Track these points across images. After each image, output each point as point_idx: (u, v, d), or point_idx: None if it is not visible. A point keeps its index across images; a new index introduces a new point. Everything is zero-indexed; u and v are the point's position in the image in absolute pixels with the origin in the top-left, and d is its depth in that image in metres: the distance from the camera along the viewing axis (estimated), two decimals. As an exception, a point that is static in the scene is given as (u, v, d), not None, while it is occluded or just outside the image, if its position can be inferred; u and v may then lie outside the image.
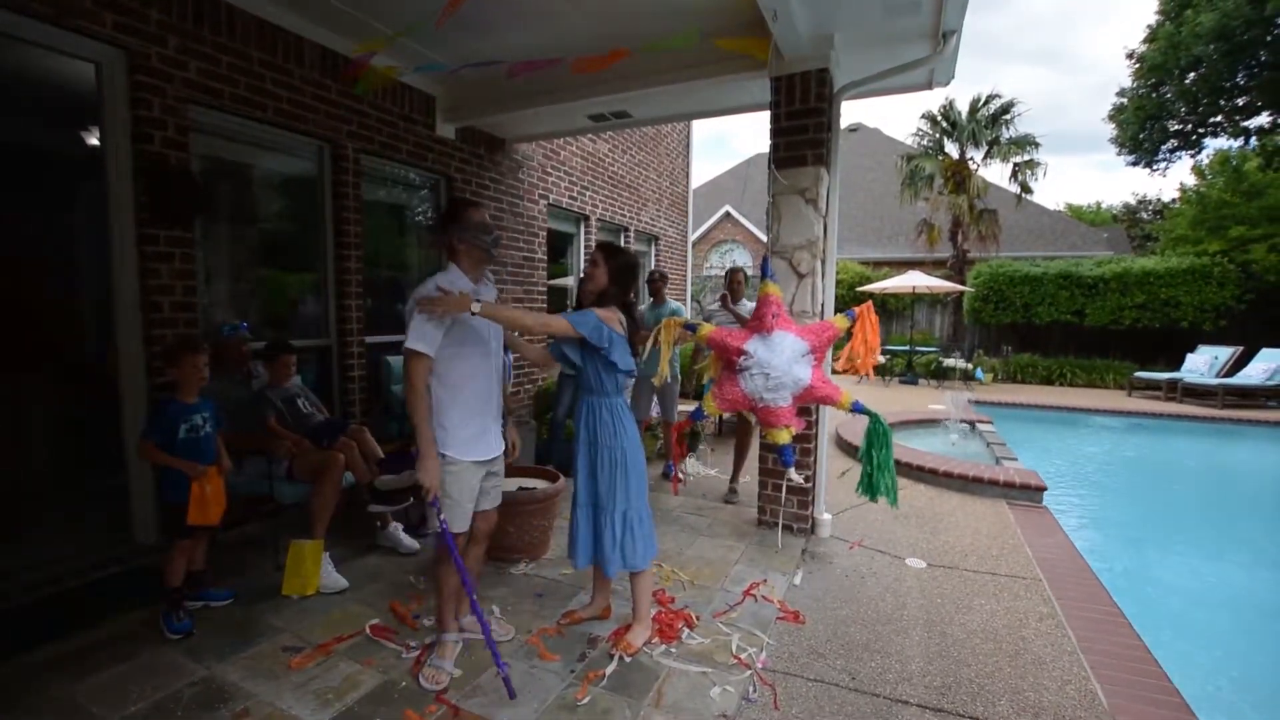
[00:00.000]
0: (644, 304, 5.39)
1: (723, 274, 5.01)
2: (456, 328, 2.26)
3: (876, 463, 3.06)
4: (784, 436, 3.16)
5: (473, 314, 2.15)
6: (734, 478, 4.74)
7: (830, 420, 4.13)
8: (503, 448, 2.49)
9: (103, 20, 2.90)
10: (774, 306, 3.19)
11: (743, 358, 3.14)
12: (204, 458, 2.66)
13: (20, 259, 4.38)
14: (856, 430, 6.29)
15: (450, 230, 2.32)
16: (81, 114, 4.06)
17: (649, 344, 3.10)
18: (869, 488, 3.10)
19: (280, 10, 3.65)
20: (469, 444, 2.30)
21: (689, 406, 6.48)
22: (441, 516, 2.24)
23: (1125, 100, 18.03)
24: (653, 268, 9.13)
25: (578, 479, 2.58)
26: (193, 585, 2.76)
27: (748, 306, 4.74)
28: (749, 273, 4.68)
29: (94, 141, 3.27)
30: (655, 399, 5.06)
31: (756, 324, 3.21)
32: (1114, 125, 18.74)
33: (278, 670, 2.35)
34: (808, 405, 3.41)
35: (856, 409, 3.07)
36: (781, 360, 3.09)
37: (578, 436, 2.56)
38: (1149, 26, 16.82)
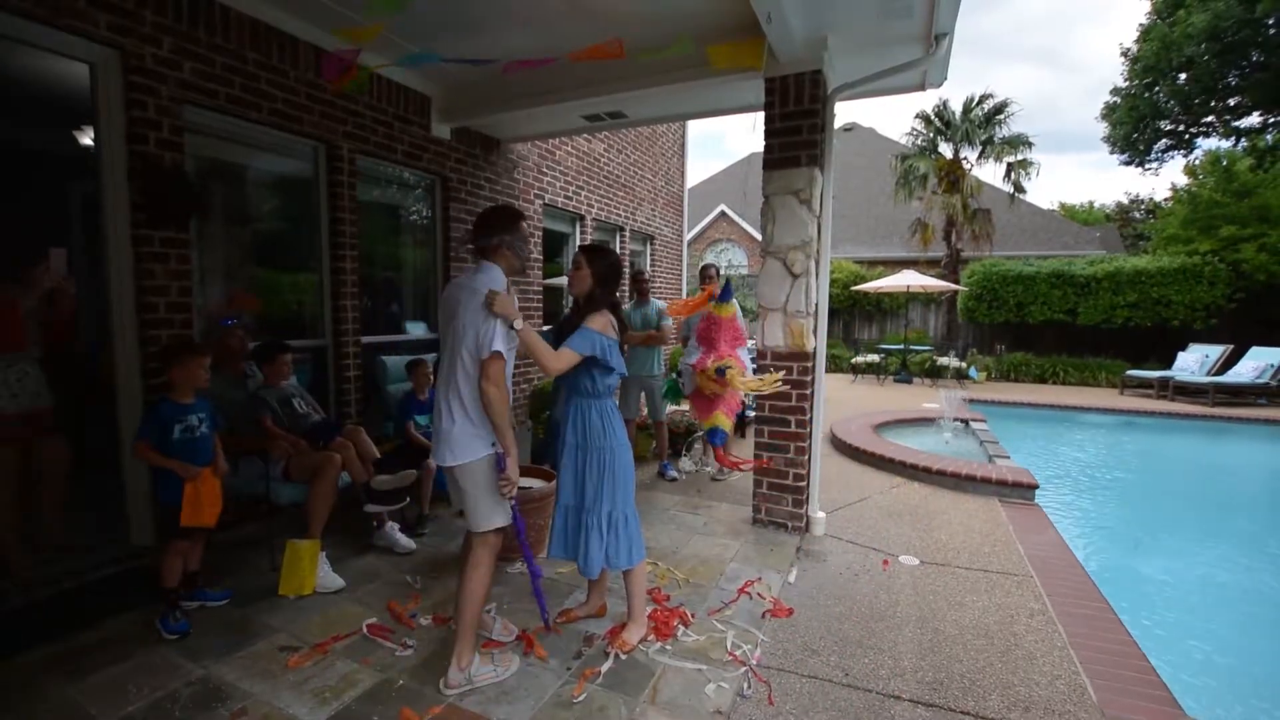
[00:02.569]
0: (628, 303, 5.42)
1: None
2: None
3: None
4: (728, 424, 3.43)
5: (512, 328, 2.14)
6: (689, 450, 5.40)
7: (825, 420, 4.14)
8: (453, 461, 2.21)
9: (97, 21, 2.89)
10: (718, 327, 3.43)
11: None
12: (200, 458, 2.66)
13: (14, 260, 4.36)
14: (850, 430, 6.34)
15: (504, 236, 2.28)
16: (76, 114, 4.05)
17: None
18: None
19: (275, 11, 3.65)
20: None
21: (684, 406, 6.52)
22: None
23: (1118, 100, 18.13)
24: (635, 267, 9.15)
25: (561, 479, 2.59)
26: (189, 586, 2.77)
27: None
28: (721, 270, 5.01)
29: (88, 142, 3.27)
30: (643, 398, 5.08)
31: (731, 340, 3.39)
32: (1107, 125, 18.85)
33: (275, 669, 2.36)
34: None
35: None
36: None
37: (564, 439, 2.57)
38: (1140, 25, 16.93)
